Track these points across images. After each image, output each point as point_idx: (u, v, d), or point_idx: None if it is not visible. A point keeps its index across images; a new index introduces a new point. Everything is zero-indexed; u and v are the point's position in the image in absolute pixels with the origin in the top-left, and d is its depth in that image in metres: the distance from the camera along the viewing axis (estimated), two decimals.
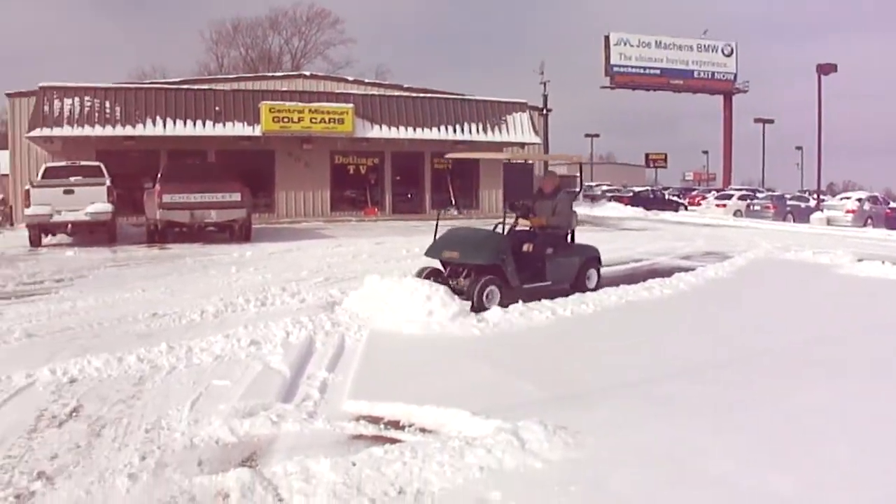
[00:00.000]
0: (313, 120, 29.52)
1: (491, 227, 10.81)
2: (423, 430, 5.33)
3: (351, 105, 30.37)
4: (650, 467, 4.53)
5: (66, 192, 19.14)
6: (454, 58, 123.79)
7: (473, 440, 4.82)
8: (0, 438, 5.35)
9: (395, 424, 5.49)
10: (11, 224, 30.23)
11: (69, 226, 19.52)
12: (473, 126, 32.73)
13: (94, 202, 19.18)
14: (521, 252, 10.62)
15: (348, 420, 5.56)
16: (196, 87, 31.00)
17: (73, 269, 14.62)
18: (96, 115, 27.56)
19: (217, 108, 28.95)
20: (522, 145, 34.85)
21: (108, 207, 19.36)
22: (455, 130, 32.35)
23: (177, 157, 28.30)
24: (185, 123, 28.36)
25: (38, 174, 21.61)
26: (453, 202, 34.48)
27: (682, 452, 4.77)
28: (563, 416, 5.26)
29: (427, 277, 10.12)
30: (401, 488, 4.26)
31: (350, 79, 38.08)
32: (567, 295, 10.39)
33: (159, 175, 20.17)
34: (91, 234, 20.41)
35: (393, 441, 5.07)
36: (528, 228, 11.23)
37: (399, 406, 5.72)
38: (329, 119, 29.78)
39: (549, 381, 6.37)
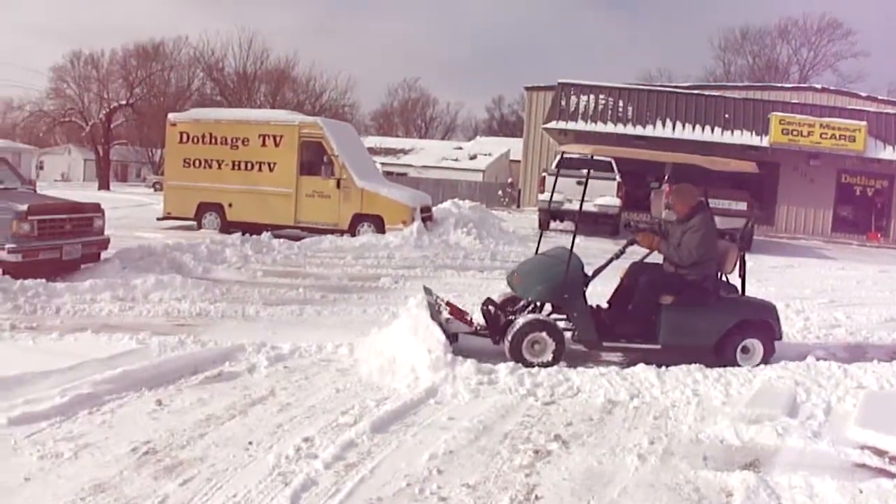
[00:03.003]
0: (823, 135, 28.20)
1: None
2: None
3: (864, 122, 28.45)
4: None
5: (578, 182, 20.37)
6: None
7: None
8: (514, 404, 6.02)
9: None
10: (518, 206, 32.98)
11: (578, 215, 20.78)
12: None
13: (603, 195, 20.28)
14: (627, 294, 7.82)
15: (853, 447, 5.43)
16: (706, 93, 31.26)
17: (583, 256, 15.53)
18: (609, 112, 29.09)
19: (726, 116, 28.90)
20: None
21: (616, 202, 20.43)
22: None
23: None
24: (693, 128, 28.74)
25: (553, 164, 23.16)
26: None
27: None
28: None
29: (495, 306, 7.75)
30: None
31: (863, 94, 35.43)
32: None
33: (667, 176, 20.64)
34: (595, 223, 21.55)
35: None
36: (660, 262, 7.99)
37: None
38: (840, 136, 28.25)
39: None
